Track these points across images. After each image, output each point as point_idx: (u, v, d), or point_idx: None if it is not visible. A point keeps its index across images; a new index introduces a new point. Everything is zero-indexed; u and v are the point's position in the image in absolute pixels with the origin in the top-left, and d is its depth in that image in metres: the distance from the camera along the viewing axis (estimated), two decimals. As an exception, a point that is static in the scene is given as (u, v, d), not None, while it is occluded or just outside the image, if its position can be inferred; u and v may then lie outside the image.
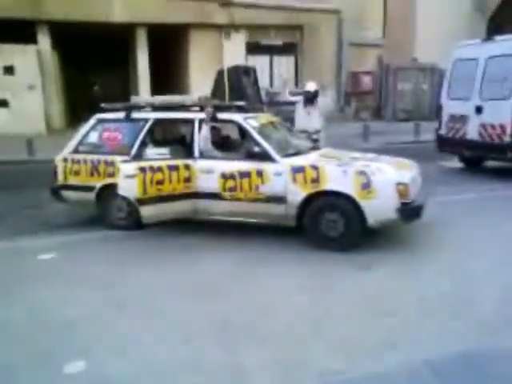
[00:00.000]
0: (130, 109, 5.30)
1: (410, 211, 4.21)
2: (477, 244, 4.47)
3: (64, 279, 3.87)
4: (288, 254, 4.30)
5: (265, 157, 4.53)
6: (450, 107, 8.10)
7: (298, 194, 4.37)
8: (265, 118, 5.40)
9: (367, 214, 4.20)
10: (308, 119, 6.17)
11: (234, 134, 5.63)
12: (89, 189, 5.14)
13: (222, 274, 3.89)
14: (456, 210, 5.57)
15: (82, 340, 2.91)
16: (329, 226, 4.32)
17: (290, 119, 6.44)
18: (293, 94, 13.17)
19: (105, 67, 21.20)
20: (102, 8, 13.75)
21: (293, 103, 6.94)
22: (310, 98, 6.16)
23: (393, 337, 2.86)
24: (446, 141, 8.18)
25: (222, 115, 4.93)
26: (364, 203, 4.18)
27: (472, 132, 7.65)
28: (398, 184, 4.16)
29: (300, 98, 6.47)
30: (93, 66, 21.28)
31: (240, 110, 5.10)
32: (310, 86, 6.26)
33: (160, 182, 4.52)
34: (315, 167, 4.35)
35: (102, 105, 5.49)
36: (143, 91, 14.81)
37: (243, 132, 4.97)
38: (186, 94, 12.26)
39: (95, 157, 5.15)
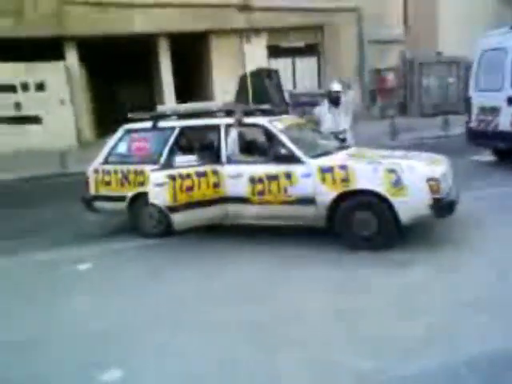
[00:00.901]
0: (156, 118, 5.37)
1: (442, 207, 4.12)
2: (515, 238, 4.34)
3: (100, 289, 3.95)
4: (322, 256, 4.27)
5: (292, 159, 4.52)
6: (479, 99, 7.89)
7: (327, 194, 4.34)
8: (290, 119, 5.40)
9: (399, 212, 4.13)
10: (334, 121, 6.12)
11: (260, 138, 5.64)
12: (120, 198, 5.23)
13: (257, 278, 3.88)
14: (492, 204, 5.41)
15: (119, 350, 2.94)
16: (361, 225, 4.26)
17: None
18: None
19: (130, 78, 21.57)
20: (124, 20, 14.03)
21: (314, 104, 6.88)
22: (335, 99, 6.11)
23: (431, 336, 2.80)
24: (477, 134, 7.97)
25: (247, 119, 4.95)
26: (395, 201, 4.12)
27: (505, 123, 7.43)
28: (429, 180, 4.08)
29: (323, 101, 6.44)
30: (119, 78, 21.69)
31: (265, 113, 5.11)
32: (335, 86, 6.19)
33: (189, 189, 4.58)
34: (344, 167, 4.31)
35: (129, 115, 5.59)
36: (168, 100, 15.01)
37: (269, 135, 4.98)
38: (210, 100, 12.37)
39: (125, 167, 5.24)
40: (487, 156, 8.40)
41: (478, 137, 7.96)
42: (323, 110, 6.22)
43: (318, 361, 2.64)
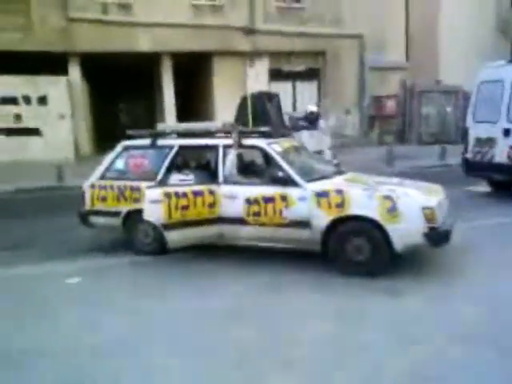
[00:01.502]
0: (155, 136, 5.43)
1: (437, 236, 4.14)
2: (509, 270, 4.34)
3: (90, 304, 3.91)
4: (314, 280, 4.26)
5: (289, 181, 4.56)
6: (476, 130, 7.99)
7: (322, 218, 4.36)
8: (288, 142, 5.45)
9: (394, 239, 4.15)
10: (312, 141, 6.41)
11: (258, 159, 5.68)
12: (115, 214, 5.24)
13: (246, 300, 3.87)
14: (485, 235, 5.43)
15: (109, 366, 2.92)
16: (355, 251, 4.28)
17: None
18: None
19: (132, 95, 21.81)
20: (128, 38, 14.26)
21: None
22: (312, 120, 6.41)
23: (425, 367, 2.77)
24: (473, 165, 8.03)
25: (245, 141, 5.01)
26: (390, 228, 4.14)
27: (500, 155, 7.51)
28: (425, 208, 4.11)
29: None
30: (120, 95, 21.91)
31: (264, 135, 5.17)
32: (311, 107, 6.66)
33: (185, 208, 4.60)
34: (340, 191, 4.35)
35: (129, 132, 5.65)
36: (169, 118, 15.14)
37: (267, 157, 5.03)
38: (210, 121, 12.49)
39: (121, 183, 5.27)
40: (483, 187, 8.46)
41: (475, 168, 8.02)
42: (304, 132, 6.45)
43: (307, 387, 2.62)
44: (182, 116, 15.09)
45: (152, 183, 4.94)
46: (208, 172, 5.15)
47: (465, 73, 14.71)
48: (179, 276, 4.54)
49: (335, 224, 4.34)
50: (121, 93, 21.39)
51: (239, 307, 3.74)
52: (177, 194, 4.57)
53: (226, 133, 5.17)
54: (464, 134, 8.35)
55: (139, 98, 21.80)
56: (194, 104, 17.86)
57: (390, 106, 17.36)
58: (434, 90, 17.24)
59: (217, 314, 3.62)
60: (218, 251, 5.08)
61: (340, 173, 5.24)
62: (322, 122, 6.48)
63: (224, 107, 13.50)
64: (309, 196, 4.42)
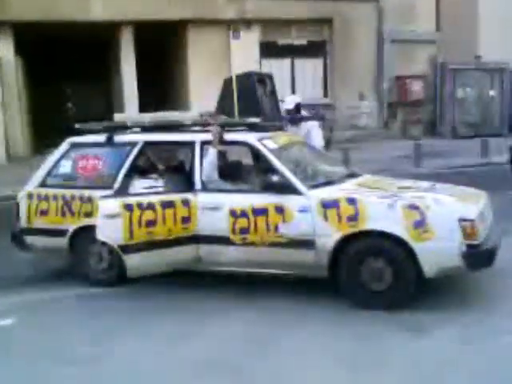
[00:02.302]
0: (112, 130, 5.42)
1: (478, 256, 4.17)
2: None
3: (27, 353, 3.86)
4: (318, 314, 4.27)
5: (286, 188, 4.57)
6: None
7: (330, 235, 4.37)
8: (286, 137, 5.48)
9: (422, 261, 4.17)
10: (320, 136, 6.58)
11: (246, 160, 5.70)
12: (59, 233, 5.21)
13: (231, 344, 3.86)
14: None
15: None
16: (372, 276, 4.30)
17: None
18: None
19: (82, 78, 21.72)
20: (78, 4, 14.21)
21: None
22: (294, 118, 6.55)
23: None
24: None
25: (230, 135, 5.02)
26: (418, 246, 4.16)
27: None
28: (462, 220, 4.13)
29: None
30: (67, 77, 21.85)
31: (253, 128, 5.18)
32: (289, 102, 6.66)
33: (151, 223, 4.59)
34: (353, 200, 4.37)
35: (77, 125, 5.63)
36: (130, 107, 15.08)
37: (258, 156, 5.05)
38: (184, 110, 12.47)
39: (68, 191, 5.24)
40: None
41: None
42: (310, 124, 6.65)
43: None
44: (147, 104, 14.97)
45: (108, 192, 4.93)
46: (181, 177, 5.15)
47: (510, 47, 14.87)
48: (143, 313, 4.51)
49: (347, 243, 4.36)
50: (68, 75, 21.31)
51: (222, 354, 3.71)
52: (140, 206, 4.57)
53: (205, 125, 5.18)
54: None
55: (92, 82, 21.74)
56: (162, 89, 17.89)
57: (417, 89, 17.48)
58: (472, 67, 17.29)
59: (195, 363, 3.58)
60: (194, 279, 5.07)
61: (353, 176, 5.27)
62: (310, 124, 6.56)
63: (201, 92, 13.48)
64: (312, 206, 4.44)
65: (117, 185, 5.06)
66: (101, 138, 5.40)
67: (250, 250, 4.63)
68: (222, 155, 5.28)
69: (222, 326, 4.17)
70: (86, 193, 5.15)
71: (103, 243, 4.73)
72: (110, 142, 5.33)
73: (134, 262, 4.63)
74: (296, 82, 16.65)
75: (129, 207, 4.54)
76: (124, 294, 4.94)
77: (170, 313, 4.49)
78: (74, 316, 4.53)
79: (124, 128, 5.51)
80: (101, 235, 4.58)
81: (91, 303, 4.79)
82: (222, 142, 4.97)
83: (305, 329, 4.05)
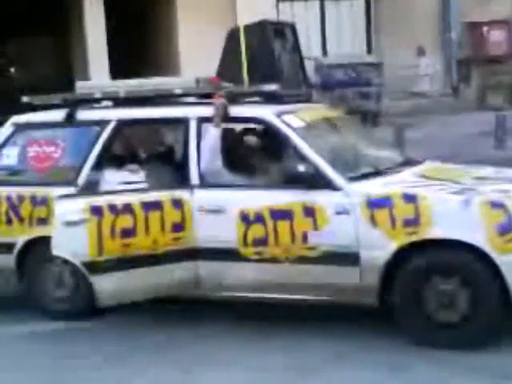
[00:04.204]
0: (74, 104, 5.45)
1: None
2: None
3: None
4: (366, 356, 4.28)
5: (318, 181, 4.59)
6: None
7: (381, 247, 4.38)
8: (315, 111, 5.49)
9: (511, 281, 4.14)
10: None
11: (261, 143, 5.70)
12: (4, 248, 5.26)
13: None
14: None
15: None
16: (440, 303, 4.29)
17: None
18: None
19: (30, 32, 21.76)
20: None
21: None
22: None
23: None
24: None
25: (238, 110, 5.02)
26: (504, 261, 4.14)
27: None
28: None
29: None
30: (8, 32, 21.89)
31: (270, 99, 5.20)
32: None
33: (129, 233, 4.64)
34: (411, 197, 4.37)
35: (25, 98, 5.69)
36: (97, 72, 15.06)
37: (277, 138, 5.05)
38: (171, 75, 12.46)
39: (14, 190, 5.28)
40: None
41: None
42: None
43: None
44: (122, 68, 15.05)
45: (69, 190, 4.98)
46: (171, 168, 5.21)
47: None
48: (117, 360, 4.52)
49: (404, 257, 4.36)
50: (9, 28, 21.39)
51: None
52: (114, 209, 4.62)
53: (203, 96, 5.22)
54: None
55: (43, 38, 21.79)
56: (142, 46, 17.87)
57: (498, 40, 17.34)
58: None
59: None
60: (190, 308, 5.11)
61: (411, 163, 5.28)
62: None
63: (196, 51, 13.49)
64: (355, 206, 4.44)
65: (81, 180, 5.11)
66: (58, 115, 5.43)
67: (267, 269, 4.66)
68: (227, 137, 5.28)
69: (233, 367, 4.22)
70: (40, 192, 5.18)
71: (64, 261, 4.78)
72: (70, 120, 5.36)
73: (106, 287, 4.66)
74: (327, 34, 16.58)
75: (97, 210, 4.58)
76: (92, 330, 4.99)
77: (152, 359, 4.49)
78: (24, 362, 4.54)
79: (90, 101, 5.56)
80: (59, 249, 4.62)
81: (47, 344, 4.82)
82: (228, 118, 4.96)
83: (340, 373, 4.08)
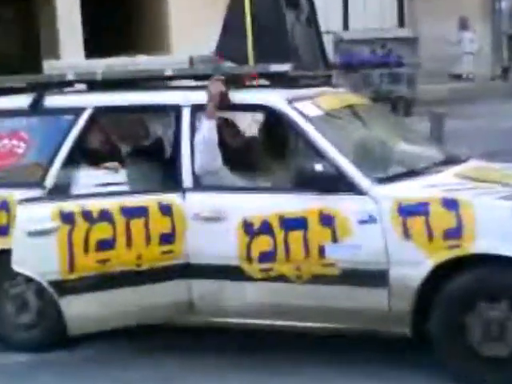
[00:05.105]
0: (42, 88, 5.44)
1: None
2: None
3: None
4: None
5: (338, 183, 4.55)
6: None
7: (415, 263, 4.33)
8: (336, 98, 5.48)
9: None
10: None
11: (268, 136, 5.68)
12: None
13: None
14: None
15: None
16: (488, 334, 4.24)
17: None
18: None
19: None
20: None
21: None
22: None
23: None
24: None
25: (241, 95, 5.01)
26: None
27: None
28: None
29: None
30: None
31: (280, 81, 5.17)
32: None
33: (106, 245, 4.63)
34: (453, 203, 4.32)
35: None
36: (69, 49, 15.13)
37: (288, 130, 5.06)
38: (160, 52, 12.49)
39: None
40: None
41: None
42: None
43: None
44: (99, 44, 15.08)
45: (35, 192, 4.97)
46: (159, 166, 5.20)
47: None
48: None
49: (443, 276, 4.31)
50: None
51: None
52: (88, 216, 4.60)
53: (198, 78, 5.22)
54: None
55: (5, 10, 21.93)
56: (124, 18, 17.92)
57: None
58: None
59: None
60: (182, 336, 5.11)
61: (451, 161, 5.25)
62: None
63: (190, 25, 13.53)
64: (383, 213, 4.41)
65: (50, 180, 5.08)
66: (21, 101, 5.43)
67: (275, 290, 4.63)
68: (227, 129, 5.27)
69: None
70: (-2, 194, 5.20)
71: (27, 279, 4.77)
72: (37, 108, 5.34)
73: (78, 311, 4.65)
74: (350, 3, 16.64)
75: (68, 218, 4.57)
76: (65, 364, 4.96)
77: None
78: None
79: (61, 84, 5.57)
80: (20, 265, 4.62)
81: (7, 381, 4.81)
82: (228, 106, 4.95)
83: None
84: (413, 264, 4.33)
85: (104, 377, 4.76)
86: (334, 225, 4.47)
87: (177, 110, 5.05)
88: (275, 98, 4.96)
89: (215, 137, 4.86)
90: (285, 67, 5.20)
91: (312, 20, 6.89)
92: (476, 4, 16.85)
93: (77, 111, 5.24)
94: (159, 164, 5.19)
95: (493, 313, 4.23)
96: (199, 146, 4.87)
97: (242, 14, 6.02)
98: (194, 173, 4.85)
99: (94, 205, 4.64)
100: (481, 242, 4.25)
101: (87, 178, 5.02)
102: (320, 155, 4.66)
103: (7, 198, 5.07)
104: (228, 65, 5.39)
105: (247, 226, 4.62)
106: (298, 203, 4.59)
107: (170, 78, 5.41)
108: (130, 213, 4.66)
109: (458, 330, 4.30)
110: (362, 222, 4.44)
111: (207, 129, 4.86)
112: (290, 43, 6.37)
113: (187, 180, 4.85)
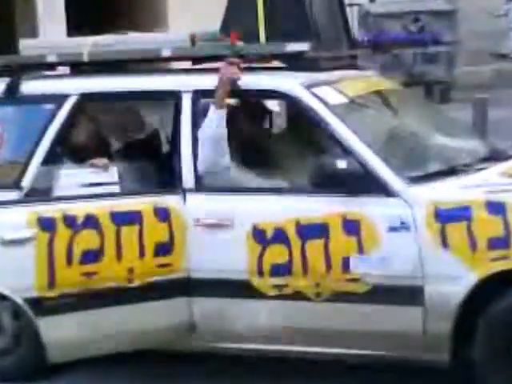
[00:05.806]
0: (17, 71, 5.46)
1: None
2: None
3: None
4: None
5: (364, 183, 4.52)
6: None
7: (455, 277, 4.30)
8: (362, 82, 5.49)
9: None
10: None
11: (284, 127, 5.68)
12: None
13: None
14: None
15: None
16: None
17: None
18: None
19: None
20: None
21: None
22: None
23: None
24: None
25: (252, 79, 4.99)
26: None
27: None
28: None
29: None
30: None
31: (297, 64, 5.14)
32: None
33: (92, 256, 4.62)
34: (499, 207, 4.29)
35: None
36: (49, 26, 15.20)
37: (306, 120, 5.04)
38: (156, 29, 12.53)
39: None
40: None
41: None
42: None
43: None
44: (84, 20, 15.10)
45: (9, 194, 4.97)
46: (155, 163, 5.21)
47: None
48: None
49: (489, 292, 4.27)
50: None
51: None
52: (72, 222, 4.60)
53: (201, 60, 5.21)
54: None
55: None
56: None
57: None
58: None
59: None
60: (184, 361, 5.09)
61: (497, 157, 5.24)
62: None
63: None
64: (418, 219, 4.37)
65: (27, 180, 5.07)
66: (-4, 87, 5.44)
67: (291, 309, 4.61)
68: (235, 119, 5.21)
69: None
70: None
71: (1, 297, 4.76)
72: (12, 95, 5.35)
73: (59, 334, 4.65)
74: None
75: (49, 224, 4.57)
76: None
77: None
78: None
79: (41, 67, 5.57)
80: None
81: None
82: (237, 92, 4.93)
83: None
84: (452, 279, 4.30)
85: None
86: (359, 233, 4.44)
87: (176, 96, 5.02)
88: (291, 83, 4.92)
89: (224, 130, 4.82)
90: (302, 46, 5.17)
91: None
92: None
93: (59, 99, 5.23)
94: (155, 161, 5.20)
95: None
96: (204, 141, 4.83)
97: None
98: (196, 171, 4.83)
99: (79, 209, 4.64)
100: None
101: (71, 177, 4.99)
102: (343, 150, 4.63)
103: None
104: (237, 44, 5.34)
105: (258, 235, 4.60)
106: (318, 207, 4.56)
107: (168, 60, 5.39)
108: (121, 218, 4.65)
109: (507, 358, 4.25)
110: (393, 229, 4.41)
111: (215, 120, 4.82)
112: (309, 18, 6.35)
113: (188, 180, 4.82)
